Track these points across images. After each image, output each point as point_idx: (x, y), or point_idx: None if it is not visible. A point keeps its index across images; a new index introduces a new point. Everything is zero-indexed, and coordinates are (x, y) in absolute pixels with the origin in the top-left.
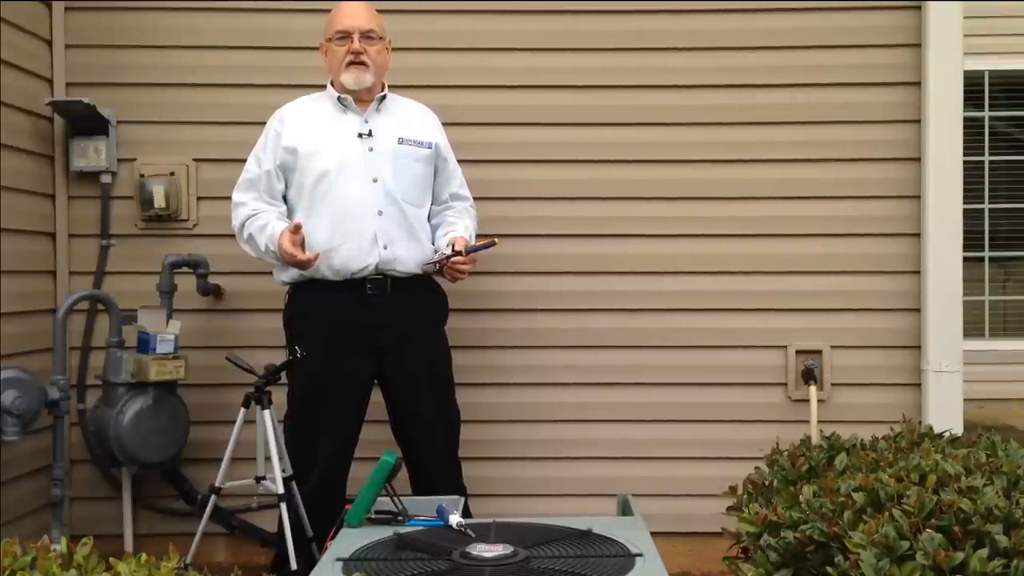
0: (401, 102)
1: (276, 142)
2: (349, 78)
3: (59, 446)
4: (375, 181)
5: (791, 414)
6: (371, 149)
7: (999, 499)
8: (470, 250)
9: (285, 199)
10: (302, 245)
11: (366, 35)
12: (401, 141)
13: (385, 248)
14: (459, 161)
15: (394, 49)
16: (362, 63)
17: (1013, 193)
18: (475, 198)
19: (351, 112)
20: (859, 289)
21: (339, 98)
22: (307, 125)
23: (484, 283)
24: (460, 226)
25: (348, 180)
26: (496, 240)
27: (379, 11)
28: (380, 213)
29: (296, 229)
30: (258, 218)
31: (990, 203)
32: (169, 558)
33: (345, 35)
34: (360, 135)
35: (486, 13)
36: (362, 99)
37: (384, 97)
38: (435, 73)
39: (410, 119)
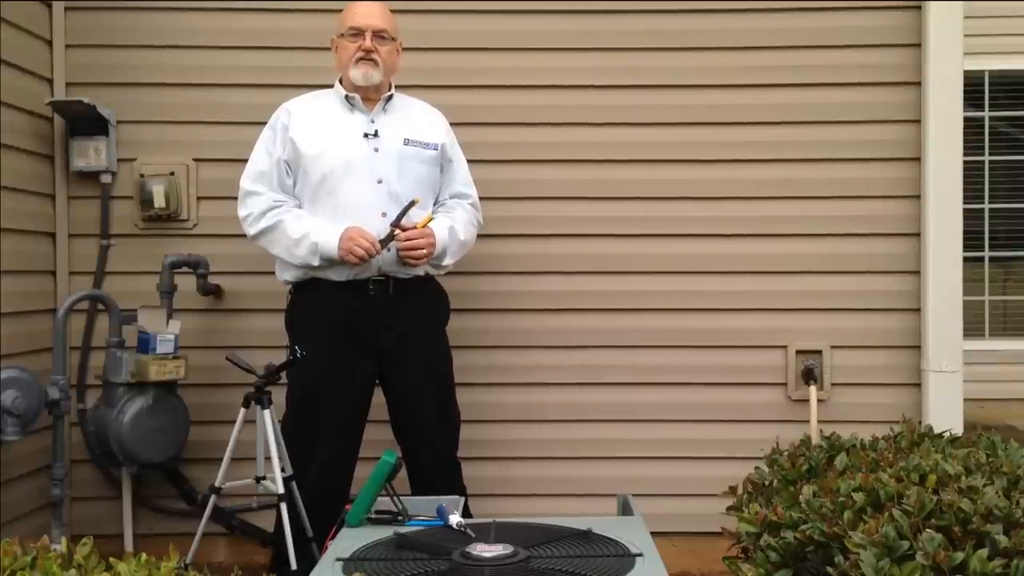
0: (408, 102)
1: (284, 135)
2: (358, 73)
3: (59, 446)
4: (379, 182)
5: (791, 414)
6: (376, 150)
7: (999, 499)
8: (393, 222)
9: None
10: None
11: (378, 34)
12: (407, 142)
13: (389, 251)
14: None
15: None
16: (372, 60)
17: (1013, 193)
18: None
19: (357, 111)
20: (859, 289)
21: (346, 96)
22: (313, 122)
23: (485, 283)
24: (440, 221)
25: (352, 180)
26: (417, 199)
27: (398, 11)
28: (384, 215)
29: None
30: (286, 211)
31: (990, 203)
32: (169, 558)
33: (358, 32)
34: (366, 135)
35: (489, 13)
36: (369, 98)
37: (391, 97)
38: (438, 73)
39: (416, 120)
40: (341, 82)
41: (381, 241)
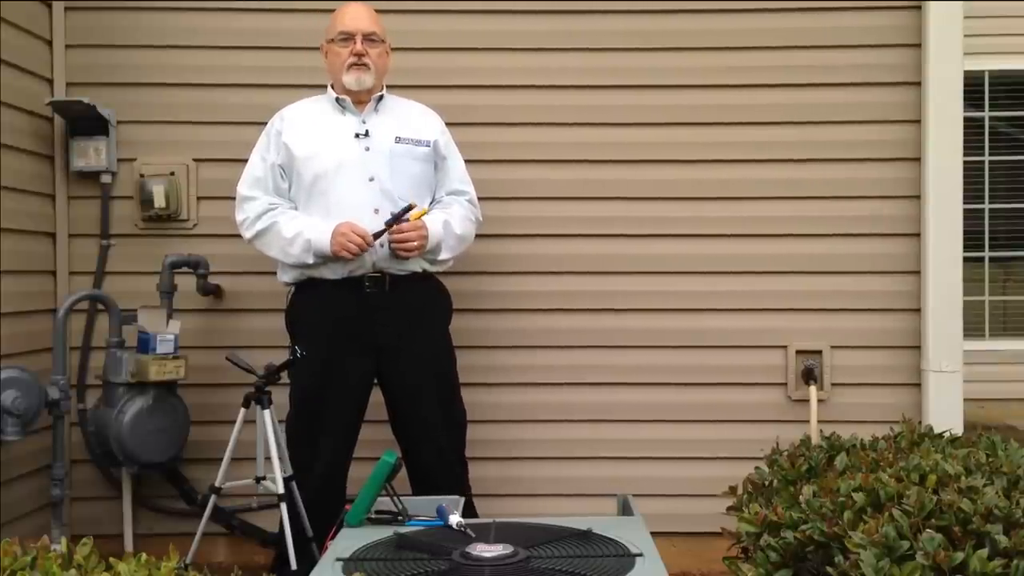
0: (399, 102)
1: (278, 140)
2: (351, 79)
3: (59, 446)
4: (371, 180)
5: (791, 414)
6: (368, 149)
7: (999, 499)
8: (388, 222)
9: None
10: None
11: (368, 37)
12: (398, 140)
13: (382, 246)
14: None
15: (394, 49)
16: (364, 64)
17: (1013, 193)
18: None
19: (349, 113)
20: (859, 289)
21: (337, 99)
22: (306, 125)
23: (485, 283)
24: (434, 215)
25: (344, 180)
26: (414, 204)
27: (379, 11)
28: (376, 211)
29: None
30: (281, 212)
31: (990, 203)
32: (169, 558)
33: (348, 36)
34: (357, 135)
35: (486, 13)
36: (360, 100)
37: (382, 97)
38: (435, 73)
39: (408, 118)
40: (333, 86)
41: (374, 235)
